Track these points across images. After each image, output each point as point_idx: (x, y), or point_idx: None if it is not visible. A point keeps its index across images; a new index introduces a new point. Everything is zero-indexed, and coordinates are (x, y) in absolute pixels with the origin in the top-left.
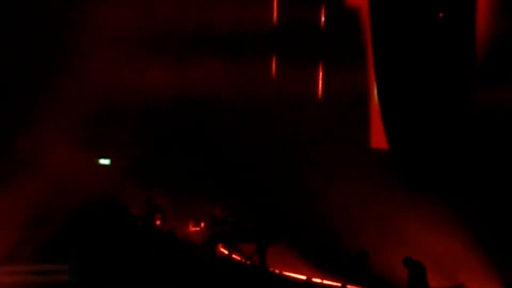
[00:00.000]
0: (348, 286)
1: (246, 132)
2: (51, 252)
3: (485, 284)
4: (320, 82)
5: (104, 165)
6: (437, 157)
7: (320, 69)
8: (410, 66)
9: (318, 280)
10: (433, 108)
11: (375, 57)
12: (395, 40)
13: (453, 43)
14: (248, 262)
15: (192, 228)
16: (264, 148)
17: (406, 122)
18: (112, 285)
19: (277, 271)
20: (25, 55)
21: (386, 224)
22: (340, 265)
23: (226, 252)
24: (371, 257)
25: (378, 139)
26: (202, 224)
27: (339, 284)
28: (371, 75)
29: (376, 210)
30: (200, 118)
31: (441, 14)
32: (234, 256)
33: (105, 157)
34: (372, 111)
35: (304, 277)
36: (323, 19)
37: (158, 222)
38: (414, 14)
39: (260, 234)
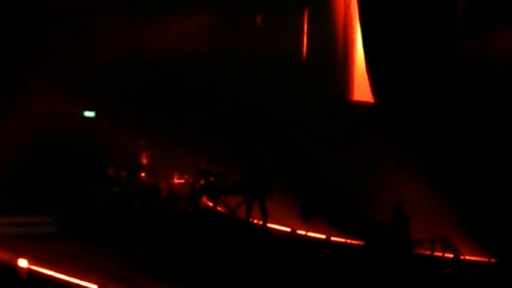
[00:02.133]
0: (333, 238)
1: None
2: (35, 204)
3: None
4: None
5: (89, 118)
6: (421, 111)
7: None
8: (395, 19)
9: (302, 232)
10: (417, 62)
11: (361, 11)
12: None
13: None
14: (232, 214)
15: (177, 180)
16: (250, 102)
17: (392, 75)
18: (97, 238)
19: (260, 223)
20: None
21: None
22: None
23: (210, 204)
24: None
25: (361, 91)
26: (187, 176)
27: (323, 236)
28: (353, 28)
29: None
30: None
31: None
32: (218, 208)
33: (90, 110)
34: (354, 63)
35: (288, 229)
36: None
37: (142, 174)
38: None
39: (245, 187)
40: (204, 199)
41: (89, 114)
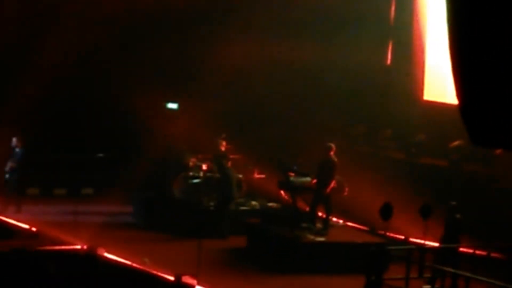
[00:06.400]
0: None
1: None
2: (116, 194)
3: None
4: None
5: (172, 110)
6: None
7: None
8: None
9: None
10: None
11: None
12: None
13: None
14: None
15: (257, 175)
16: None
17: (487, 75)
18: (175, 229)
19: (339, 221)
20: None
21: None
22: None
23: (290, 199)
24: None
25: (433, 92)
26: (267, 172)
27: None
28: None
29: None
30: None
31: None
32: (298, 204)
33: (173, 102)
34: (427, 62)
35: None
36: None
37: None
38: None
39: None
40: (283, 194)
41: (172, 106)
